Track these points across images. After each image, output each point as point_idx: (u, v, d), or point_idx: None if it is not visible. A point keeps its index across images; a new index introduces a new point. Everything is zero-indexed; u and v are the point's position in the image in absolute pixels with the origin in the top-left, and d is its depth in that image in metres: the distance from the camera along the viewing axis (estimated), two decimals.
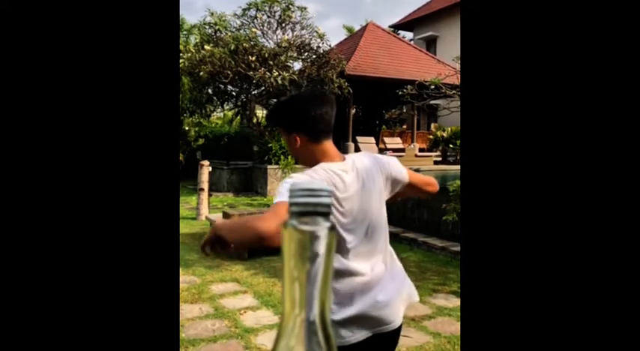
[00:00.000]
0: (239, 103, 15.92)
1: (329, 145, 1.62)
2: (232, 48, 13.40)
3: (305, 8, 14.88)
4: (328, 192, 0.40)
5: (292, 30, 15.07)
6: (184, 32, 21.41)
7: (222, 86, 14.81)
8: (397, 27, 28.94)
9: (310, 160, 1.62)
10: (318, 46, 14.99)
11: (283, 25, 15.01)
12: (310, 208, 0.39)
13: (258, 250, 6.27)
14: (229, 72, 13.37)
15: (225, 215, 7.17)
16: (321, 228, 0.39)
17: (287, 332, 0.40)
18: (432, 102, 9.44)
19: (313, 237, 0.39)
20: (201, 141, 16.57)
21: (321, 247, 0.39)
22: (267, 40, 15.15)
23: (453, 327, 4.10)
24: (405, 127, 21.76)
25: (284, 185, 1.46)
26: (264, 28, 15.10)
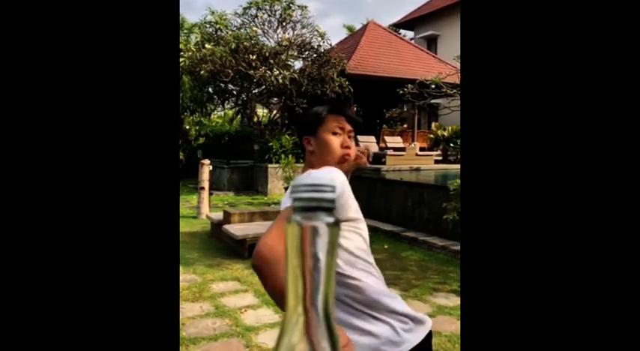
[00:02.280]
0: (240, 102, 15.91)
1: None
2: (233, 47, 13.39)
3: (306, 7, 14.85)
4: (332, 187, 0.40)
5: (293, 29, 15.05)
6: (185, 31, 21.39)
7: (222, 85, 14.81)
8: (398, 26, 28.91)
9: None
10: (319, 45, 14.97)
11: (284, 23, 14.99)
12: (314, 204, 0.39)
13: None
14: (230, 71, 13.37)
15: (226, 214, 7.17)
16: (325, 223, 0.39)
17: (290, 327, 0.39)
18: (433, 101, 9.43)
19: (317, 232, 0.39)
20: (201, 140, 16.57)
21: (325, 243, 0.39)
22: (267, 39, 15.14)
23: (453, 326, 4.10)
24: (405, 126, 21.74)
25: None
26: (265, 27, 15.09)
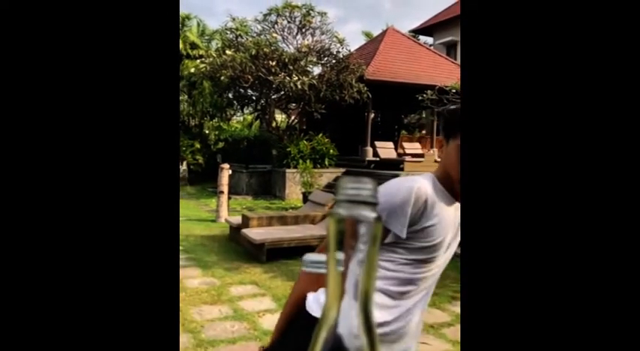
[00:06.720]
0: (259, 108, 16.05)
1: None
2: (253, 53, 13.53)
3: (325, 13, 14.92)
4: (373, 188, 0.39)
5: (312, 35, 15.13)
6: (206, 37, 21.71)
7: (242, 90, 14.98)
8: (417, 32, 28.74)
9: None
10: (338, 51, 15.01)
11: (303, 30, 15.09)
12: (358, 198, 0.38)
13: (276, 253, 6.30)
14: (250, 76, 13.50)
15: (245, 218, 7.21)
16: (366, 217, 0.38)
17: (328, 324, 0.39)
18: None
19: (358, 225, 0.38)
20: (221, 144, 16.75)
21: (366, 236, 0.38)
22: (287, 45, 15.25)
23: None
24: (424, 132, 21.59)
25: None
26: (285, 33, 15.22)
